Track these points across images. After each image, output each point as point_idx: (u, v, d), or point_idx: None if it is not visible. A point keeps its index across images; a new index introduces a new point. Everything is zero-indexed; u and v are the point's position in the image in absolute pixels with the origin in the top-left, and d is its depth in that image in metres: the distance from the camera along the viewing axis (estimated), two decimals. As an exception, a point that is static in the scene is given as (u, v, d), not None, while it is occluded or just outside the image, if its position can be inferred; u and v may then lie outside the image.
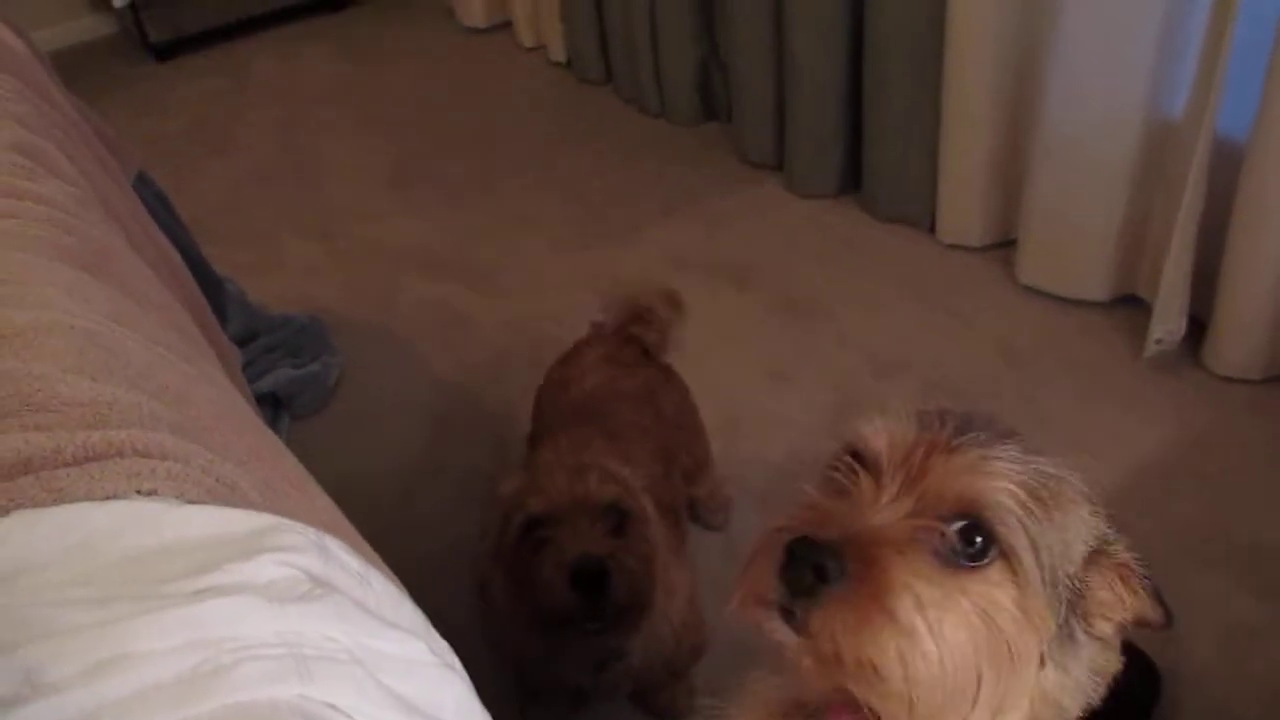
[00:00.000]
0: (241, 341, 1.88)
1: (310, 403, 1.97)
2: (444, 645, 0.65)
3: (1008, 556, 0.71)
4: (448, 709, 0.61)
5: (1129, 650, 1.43)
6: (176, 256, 1.37)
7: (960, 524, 0.71)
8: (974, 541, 0.71)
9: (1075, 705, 0.77)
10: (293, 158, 2.80)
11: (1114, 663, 0.79)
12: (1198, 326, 1.82)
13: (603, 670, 1.33)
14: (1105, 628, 0.77)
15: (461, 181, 2.59)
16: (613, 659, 1.32)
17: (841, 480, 0.74)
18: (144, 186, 1.63)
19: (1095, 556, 0.76)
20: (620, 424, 1.44)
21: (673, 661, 1.37)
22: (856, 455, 0.75)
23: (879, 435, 0.74)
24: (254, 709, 0.49)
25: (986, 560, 0.71)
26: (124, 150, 1.55)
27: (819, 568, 0.67)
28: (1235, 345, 1.78)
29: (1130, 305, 1.94)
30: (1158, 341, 1.80)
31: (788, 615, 0.70)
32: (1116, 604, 0.77)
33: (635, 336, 1.56)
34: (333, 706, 0.53)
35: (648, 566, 1.25)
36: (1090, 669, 0.77)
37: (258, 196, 2.65)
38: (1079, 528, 0.76)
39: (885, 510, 0.71)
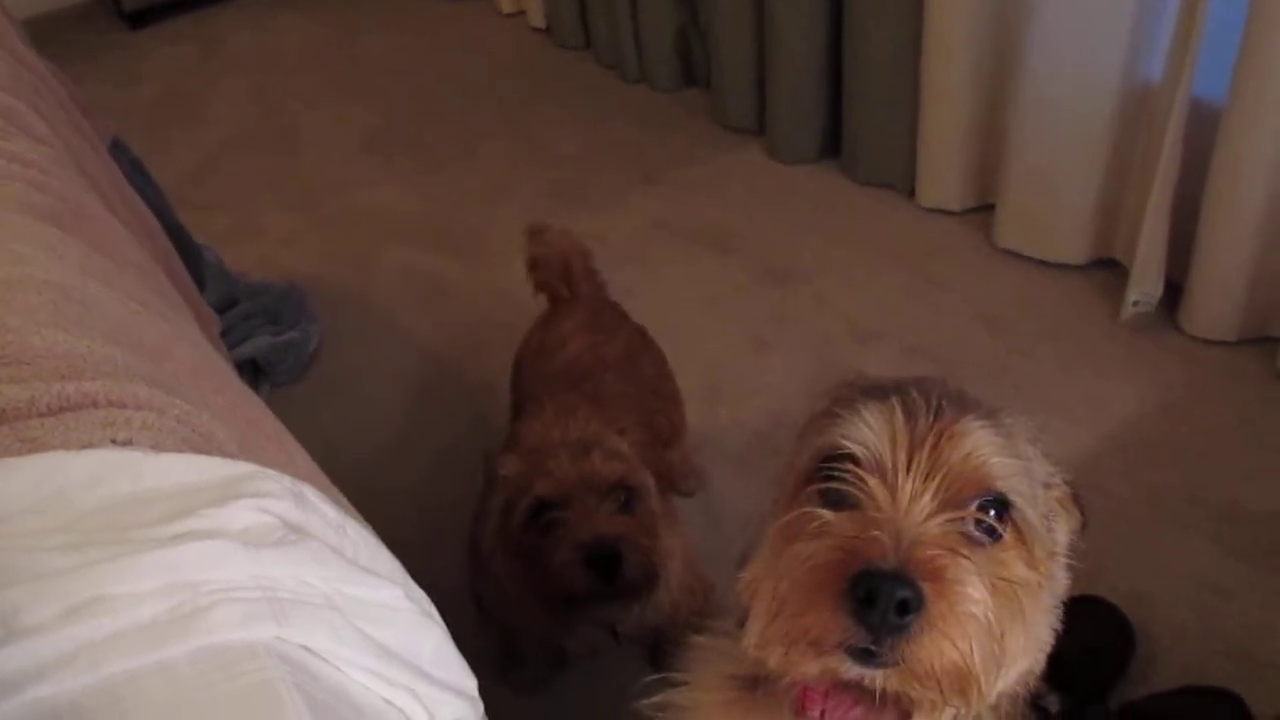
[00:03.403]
0: (219, 309, 1.87)
1: (290, 370, 1.96)
2: (421, 594, 0.65)
3: (1017, 524, 0.72)
4: (425, 656, 0.61)
5: (1104, 609, 1.45)
6: (153, 221, 1.36)
7: (977, 505, 0.72)
8: (989, 516, 0.72)
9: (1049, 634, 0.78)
10: (269, 126, 2.77)
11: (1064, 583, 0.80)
12: (1174, 289, 1.83)
13: (608, 637, 1.33)
14: (1064, 539, 0.80)
15: (440, 149, 2.58)
16: (613, 630, 1.32)
17: (846, 490, 0.72)
18: (119, 153, 1.62)
19: (1049, 488, 0.79)
20: (605, 391, 1.44)
21: (670, 628, 1.37)
22: (852, 459, 0.72)
23: (875, 436, 0.72)
24: (230, 651, 0.50)
25: (1003, 533, 0.72)
26: (98, 117, 1.54)
27: (902, 604, 0.65)
28: (1211, 307, 1.79)
29: (1108, 269, 1.95)
30: (1135, 304, 1.82)
31: (864, 655, 0.68)
32: (1066, 528, 0.80)
33: (551, 284, 1.57)
34: (308, 649, 0.53)
35: (654, 540, 1.25)
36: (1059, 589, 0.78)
37: (234, 165, 2.63)
38: (1043, 472, 0.78)
39: (916, 513, 0.69)
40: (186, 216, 1.83)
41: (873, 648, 0.67)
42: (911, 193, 2.16)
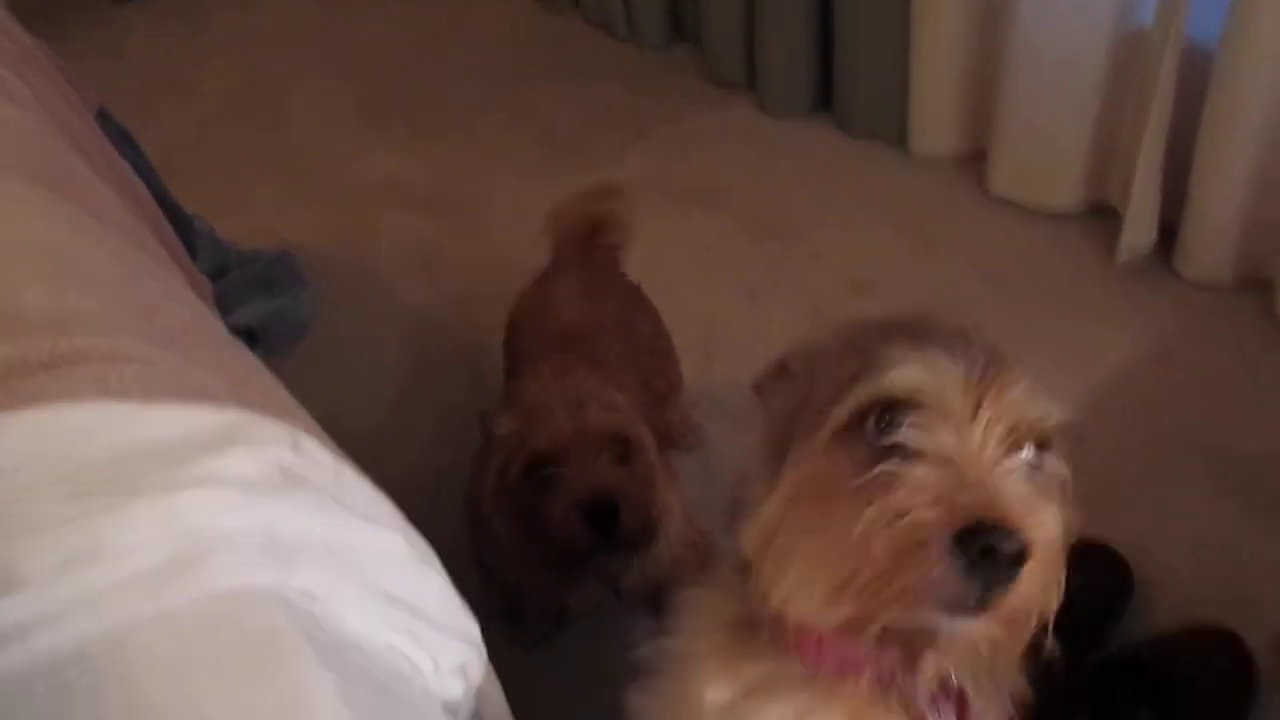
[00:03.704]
0: (211, 278, 1.86)
1: (284, 336, 1.96)
2: (422, 541, 0.65)
3: (1051, 462, 0.73)
4: (428, 601, 0.61)
5: (1102, 553, 1.46)
6: (142, 188, 1.35)
7: (1032, 447, 0.71)
8: (1037, 459, 0.72)
9: None
10: (259, 99, 2.75)
11: None
12: (1169, 234, 1.83)
13: (610, 594, 1.34)
14: None
15: (431, 117, 2.56)
16: (614, 586, 1.32)
17: (912, 441, 0.69)
18: (105, 123, 1.60)
19: None
20: (603, 351, 1.43)
21: (675, 579, 1.37)
22: (916, 406, 0.70)
23: (942, 379, 0.70)
24: (232, 597, 0.50)
25: (1045, 471, 0.72)
26: (84, 87, 1.52)
27: (1014, 556, 0.64)
28: (1206, 252, 1.78)
29: (1102, 215, 1.94)
30: (1129, 250, 1.81)
31: (960, 608, 0.67)
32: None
33: (602, 245, 1.56)
34: (310, 595, 0.53)
35: (652, 493, 1.25)
36: None
37: (224, 138, 2.61)
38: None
39: (991, 459, 0.68)
40: (176, 188, 1.82)
41: (979, 600, 0.66)
42: (904, 145, 2.15)
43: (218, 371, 0.69)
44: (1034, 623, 0.71)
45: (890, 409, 0.70)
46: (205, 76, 2.88)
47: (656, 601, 1.46)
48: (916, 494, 0.67)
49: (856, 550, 0.68)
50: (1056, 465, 0.74)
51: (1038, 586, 0.68)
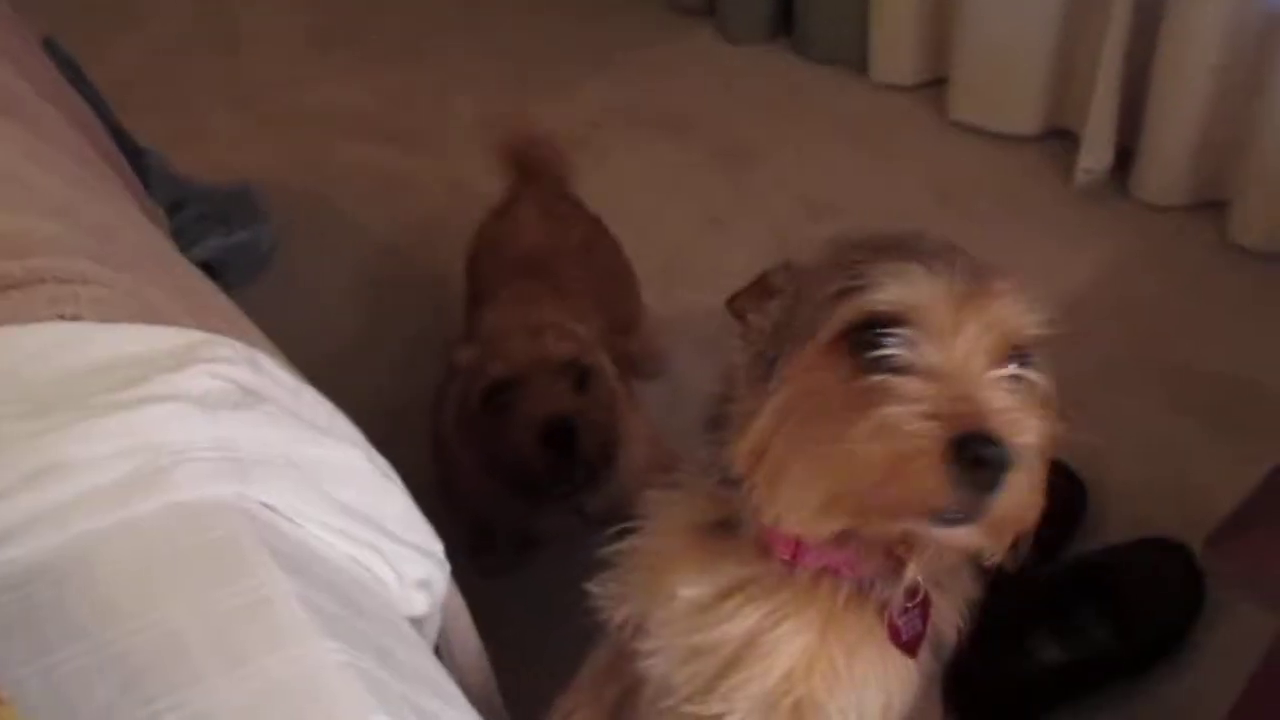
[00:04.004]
0: (168, 212, 1.84)
1: (244, 271, 1.94)
2: (383, 460, 0.66)
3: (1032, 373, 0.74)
4: (389, 516, 0.62)
5: (1056, 466, 1.48)
6: (92, 116, 1.33)
7: (1014, 358, 0.72)
8: (1021, 369, 0.73)
9: None
10: (208, 26, 2.69)
11: None
12: (1126, 156, 1.84)
13: (577, 520, 1.35)
14: None
15: (386, 42, 2.52)
16: (580, 512, 1.34)
17: (900, 355, 0.70)
18: (52, 51, 1.57)
19: None
20: (564, 278, 1.44)
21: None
22: (902, 320, 0.70)
23: (926, 294, 0.70)
24: (194, 508, 0.50)
25: (1028, 382, 0.74)
26: (29, 17, 1.49)
27: (1003, 464, 0.65)
28: (1162, 173, 1.80)
29: (1061, 138, 1.95)
30: (1086, 171, 1.82)
31: (952, 518, 0.68)
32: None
33: (540, 174, 1.56)
34: (270, 507, 0.54)
35: (612, 419, 1.26)
36: None
37: (174, 67, 2.55)
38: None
39: (979, 374, 0.69)
40: (127, 121, 1.78)
41: (970, 509, 0.68)
42: (864, 69, 2.14)
43: (174, 294, 0.69)
44: (1016, 530, 0.72)
45: (878, 324, 0.71)
46: (153, 4, 2.81)
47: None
48: (907, 406, 0.68)
49: (849, 462, 0.69)
50: (1040, 376, 0.75)
51: (1022, 495, 0.69)
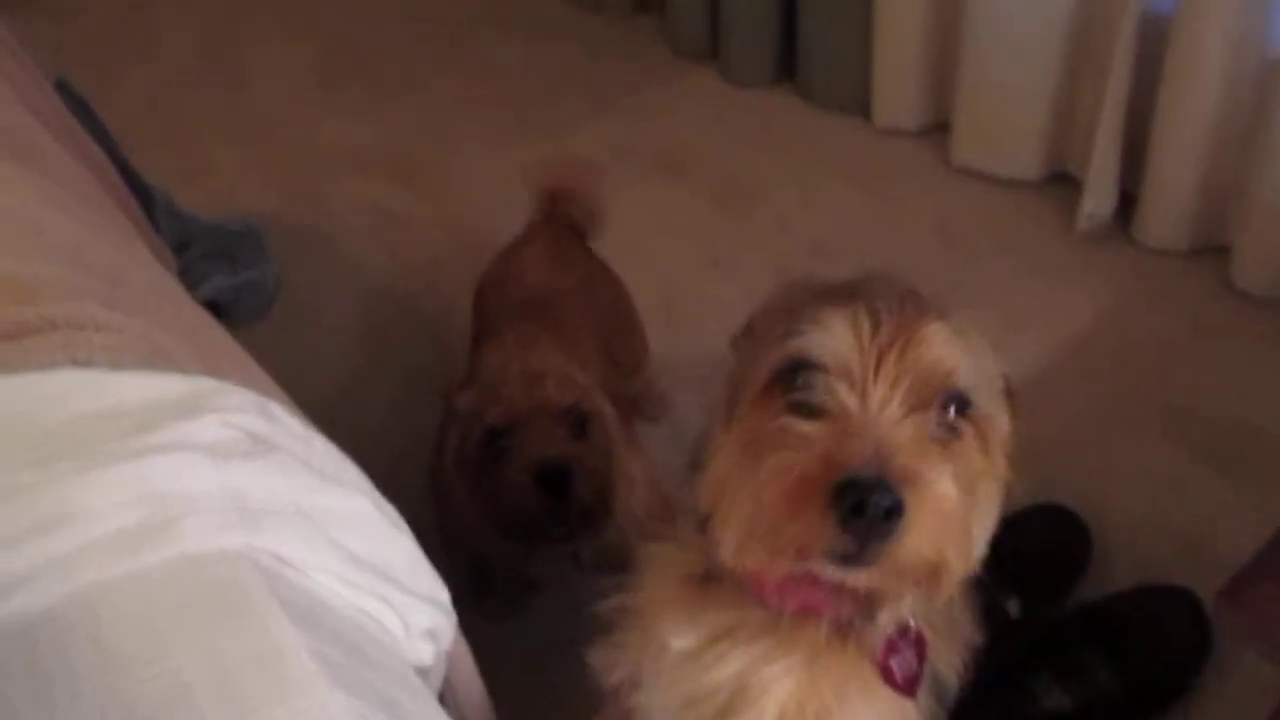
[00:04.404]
0: (174, 251, 1.84)
1: (250, 310, 1.94)
2: (390, 507, 0.66)
3: (975, 420, 0.74)
4: (397, 565, 0.62)
5: (1060, 513, 1.49)
6: (103, 156, 1.34)
7: (941, 404, 0.73)
8: (950, 415, 0.73)
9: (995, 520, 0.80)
10: (215, 63, 2.71)
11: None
12: (1128, 200, 1.85)
13: (574, 563, 1.35)
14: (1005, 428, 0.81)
15: (391, 81, 2.54)
16: (577, 557, 1.34)
17: (815, 400, 0.72)
18: (64, 93, 1.58)
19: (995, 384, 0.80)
20: (567, 320, 1.44)
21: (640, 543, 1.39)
22: (819, 367, 0.73)
23: (842, 343, 0.72)
24: (202, 559, 0.50)
25: (963, 429, 0.74)
26: (41, 57, 1.50)
27: (888, 510, 0.67)
28: (1163, 218, 1.81)
29: (1063, 182, 1.96)
30: (1089, 217, 1.83)
31: (846, 559, 0.69)
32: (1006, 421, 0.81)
33: (566, 216, 1.56)
34: (280, 558, 0.53)
35: (609, 465, 1.26)
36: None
37: (181, 103, 2.57)
38: (990, 364, 0.79)
39: (887, 419, 0.70)
40: (135, 157, 1.80)
41: (858, 552, 0.69)
42: (867, 114, 2.16)
43: (184, 339, 0.69)
44: (942, 577, 0.72)
45: (801, 368, 0.73)
46: (161, 36, 2.84)
47: (625, 571, 1.47)
48: (803, 448, 0.70)
49: (754, 501, 0.72)
50: (987, 422, 0.76)
51: (928, 542, 0.69)
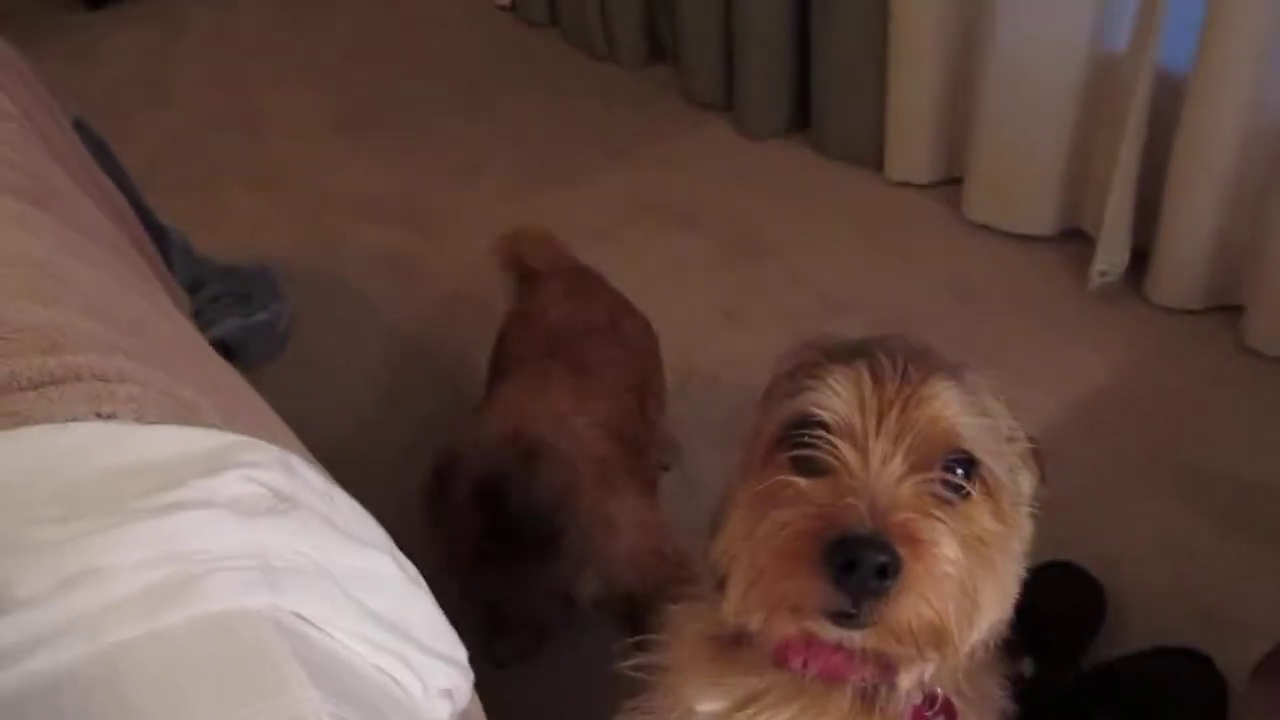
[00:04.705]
0: (188, 291, 1.85)
1: (261, 352, 1.95)
2: (409, 564, 0.65)
3: (984, 479, 0.73)
4: (416, 624, 0.61)
5: (1075, 573, 1.47)
6: (122, 199, 1.35)
7: (945, 463, 0.73)
8: (957, 474, 0.73)
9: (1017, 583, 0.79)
10: (232, 107, 2.74)
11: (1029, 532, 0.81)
12: (1141, 258, 1.85)
13: (565, 606, 1.34)
14: (1028, 488, 0.82)
15: (406, 128, 2.56)
16: (569, 597, 1.33)
17: (818, 457, 0.72)
18: (83, 133, 1.59)
19: (1012, 440, 0.80)
20: (587, 357, 1.44)
21: (644, 595, 1.38)
22: (822, 425, 0.73)
23: (843, 401, 0.73)
24: (225, 619, 0.50)
25: (971, 489, 0.73)
26: (59, 97, 1.51)
27: (880, 569, 0.66)
28: (1177, 276, 1.81)
29: (1076, 239, 1.97)
30: (1102, 274, 1.83)
31: (843, 618, 0.69)
32: (1031, 481, 0.82)
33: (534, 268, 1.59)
34: (302, 618, 0.53)
35: (569, 497, 1.26)
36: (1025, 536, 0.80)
37: (197, 146, 2.60)
38: (1006, 426, 0.79)
39: (887, 477, 0.70)
40: (152, 198, 1.81)
41: (851, 611, 0.68)
42: (881, 166, 2.17)
43: (205, 390, 0.69)
44: (946, 641, 0.71)
45: (805, 426, 0.73)
46: (179, 80, 2.87)
47: (630, 616, 1.46)
48: (800, 504, 0.70)
49: (753, 558, 0.72)
50: (997, 482, 0.75)
51: (927, 603, 0.69)
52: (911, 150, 2.11)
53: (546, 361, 1.40)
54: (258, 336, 1.94)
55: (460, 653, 0.67)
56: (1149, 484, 1.61)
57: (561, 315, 1.49)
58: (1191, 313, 1.83)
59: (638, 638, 0.91)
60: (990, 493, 0.74)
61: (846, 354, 0.76)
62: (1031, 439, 0.82)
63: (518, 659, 1.49)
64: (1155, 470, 1.62)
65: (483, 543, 1.23)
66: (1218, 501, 1.58)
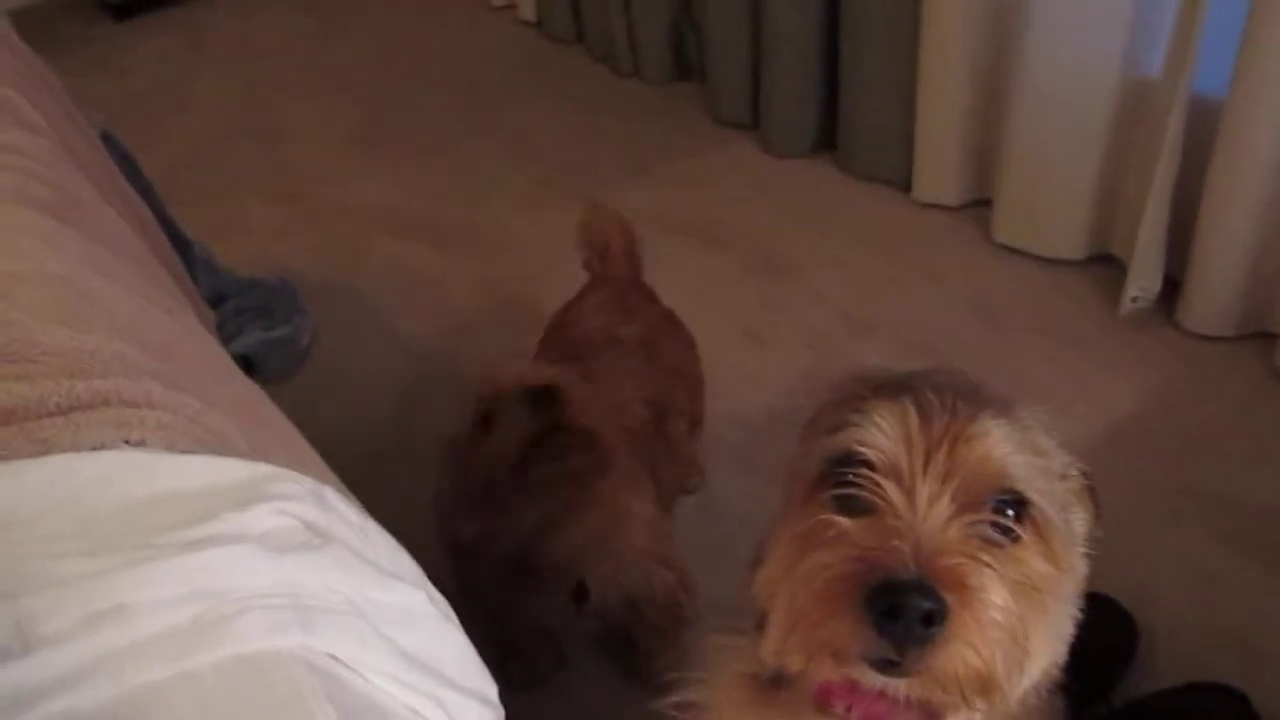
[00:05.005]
0: (210, 304, 1.84)
1: (282, 366, 1.94)
2: (441, 598, 0.64)
3: (1035, 520, 0.71)
4: (448, 661, 0.60)
5: (1107, 604, 1.45)
6: (148, 213, 1.34)
7: (994, 504, 0.70)
8: (1007, 516, 0.70)
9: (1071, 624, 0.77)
10: (255, 118, 2.75)
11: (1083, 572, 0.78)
12: (1172, 284, 1.83)
13: (577, 604, 1.32)
14: (1081, 529, 0.79)
15: (429, 141, 2.56)
16: (580, 597, 1.31)
17: (861, 496, 0.70)
18: (109, 145, 1.59)
19: (1066, 478, 0.78)
20: (605, 368, 1.43)
21: (647, 602, 1.36)
22: (866, 463, 0.70)
23: (889, 439, 0.70)
24: (257, 660, 0.48)
25: (1022, 531, 0.71)
26: (86, 109, 1.51)
27: (926, 616, 0.64)
28: (1209, 303, 1.78)
29: (1106, 263, 1.95)
30: (1133, 300, 1.81)
31: (886, 665, 0.67)
32: (1085, 520, 0.80)
33: (608, 269, 1.57)
34: (335, 658, 0.51)
35: (599, 433, 1.24)
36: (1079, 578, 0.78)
37: (221, 158, 2.60)
38: (1059, 465, 0.77)
39: (934, 519, 0.68)
40: (175, 210, 1.81)
41: (896, 658, 0.66)
42: (908, 187, 2.15)
43: (234, 415, 0.68)
44: (994, 690, 0.68)
45: (848, 463, 0.71)
46: (203, 92, 2.88)
47: (629, 631, 1.44)
48: (841, 547, 0.67)
49: (792, 600, 0.70)
50: (1049, 524, 0.72)
51: (974, 651, 0.66)
52: (940, 171, 2.09)
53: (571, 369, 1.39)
54: (279, 351, 1.94)
55: (491, 689, 0.66)
56: (1179, 514, 1.58)
57: (594, 326, 1.49)
58: (1224, 340, 1.80)
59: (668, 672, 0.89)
60: (1041, 534, 0.71)
61: (892, 388, 0.74)
62: (1086, 475, 0.79)
63: (531, 683, 1.47)
64: (1186, 500, 1.60)
65: (530, 465, 1.21)
66: (1250, 533, 1.55)
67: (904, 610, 0.63)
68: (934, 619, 0.64)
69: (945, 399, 0.72)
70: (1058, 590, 0.73)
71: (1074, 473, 0.79)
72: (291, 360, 1.96)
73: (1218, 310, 1.78)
